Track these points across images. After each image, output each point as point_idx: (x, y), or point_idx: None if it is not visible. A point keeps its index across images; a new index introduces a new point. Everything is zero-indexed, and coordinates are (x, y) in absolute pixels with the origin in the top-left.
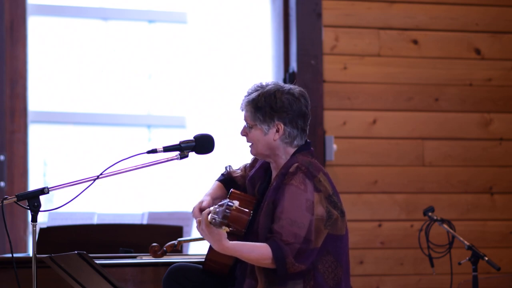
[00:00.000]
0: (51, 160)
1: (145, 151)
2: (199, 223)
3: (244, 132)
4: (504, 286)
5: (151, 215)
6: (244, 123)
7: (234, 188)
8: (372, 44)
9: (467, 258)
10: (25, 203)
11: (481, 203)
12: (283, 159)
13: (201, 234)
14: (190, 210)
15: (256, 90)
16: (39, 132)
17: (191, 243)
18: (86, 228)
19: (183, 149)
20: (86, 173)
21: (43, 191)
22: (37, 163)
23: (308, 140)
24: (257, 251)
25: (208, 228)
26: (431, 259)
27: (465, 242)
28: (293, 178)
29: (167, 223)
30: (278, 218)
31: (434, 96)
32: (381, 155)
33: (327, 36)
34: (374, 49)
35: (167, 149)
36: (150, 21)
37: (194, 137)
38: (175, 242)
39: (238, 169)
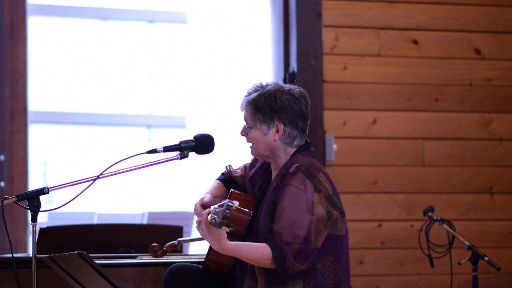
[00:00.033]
0: (51, 160)
1: (145, 151)
2: (199, 223)
3: (244, 132)
4: (504, 286)
5: (151, 215)
6: (244, 123)
7: (234, 188)
8: (372, 44)
9: (467, 258)
10: (25, 203)
11: (481, 203)
12: (283, 159)
13: (201, 234)
14: (190, 210)
15: (256, 90)
16: (39, 132)
17: (191, 243)
18: (86, 228)
19: (183, 149)
20: (86, 173)
21: (43, 191)
22: (37, 163)
23: (308, 140)
24: (257, 251)
25: (208, 228)
26: (431, 259)
27: (465, 242)
28: (293, 179)
29: (167, 223)
30: (278, 218)
31: (434, 96)
32: (381, 155)
33: (327, 36)
34: (374, 49)
35: (167, 149)
36: (150, 21)
37: (194, 137)
38: (175, 242)
39: (238, 168)
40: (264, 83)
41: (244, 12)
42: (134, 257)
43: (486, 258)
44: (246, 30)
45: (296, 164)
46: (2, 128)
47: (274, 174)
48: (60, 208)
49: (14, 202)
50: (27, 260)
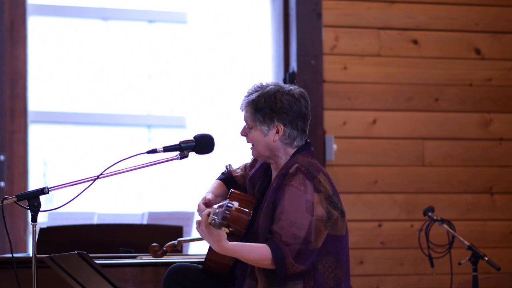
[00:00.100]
0: (51, 160)
1: (145, 151)
2: (198, 224)
3: (244, 133)
4: (504, 286)
5: (151, 215)
6: (244, 124)
7: (234, 188)
8: (372, 44)
9: (467, 258)
10: (25, 203)
11: (481, 203)
12: (283, 159)
13: (201, 235)
14: (190, 210)
15: (256, 91)
16: (39, 132)
17: (191, 243)
18: (86, 228)
19: (183, 149)
20: (86, 173)
21: (43, 191)
22: (37, 163)
23: (308, 140)
24: (256, 252)
25: (207, 229)
26: (431, 259)
27: (465, 242)
28: (293, 179)
29: (167, 223)
30: (278, 219)
31: (434, 96)
32: (381, 155)
33: (327, 36)
34: (374, 49)
35: (167, 149)
36: (150, 21)
37: (194, 137)
38: (175, 242)
39: (238, 168)
40: (264, 83)
41: (244, 12)
42: (134, 257)
43: (486, 258)
44: (246, 30)
45: (296, 165)
46: (2, 128)
47: (274, 174)
48: (60, 208)
49: (14, 202)
50: (27, 260)
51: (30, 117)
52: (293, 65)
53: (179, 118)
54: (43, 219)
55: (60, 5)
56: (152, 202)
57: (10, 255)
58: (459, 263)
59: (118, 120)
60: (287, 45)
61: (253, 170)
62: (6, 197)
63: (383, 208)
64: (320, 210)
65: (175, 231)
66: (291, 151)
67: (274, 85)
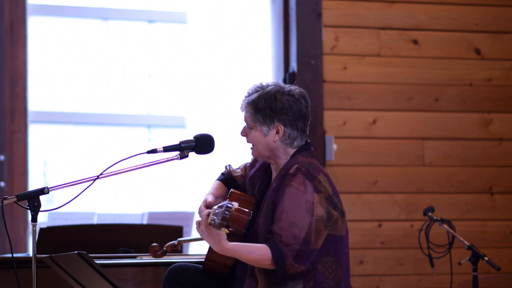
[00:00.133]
0: (51, 160)
1: (145, 151)
2: (198, 224)
3: (244, 133)
4: (504, 286)
5: (151, 215)
6: (244, 124)
7: (234, 188)
8: (372, 44)
9: (467, 258)
10: (25, 203)
11: (481, 203)
12: (283, 159)
13: (201, 235)
14: (190, 210)
15: (256, 91)
16: (39, 132)
17: (191, 243)
18: (86, 228)
19: (183, 149)
20: (86, 173)
21: (43, 191)
22: (37, 163)
23: (308, 141)
24: (256, 252)
25: (207, 229)
26: (431, 259)
27: (465, 242)
28: (293, 180)
29: (167, 223)
30: (278, 219)
31: (434, 96)
32: (381, 155)
33: (327, 36)
34: (374, 49)
35: (167, 149)
36: (150, 21)
37: (194, 137)
38: (175, 242)
39: (238, 168)
40: (264, 84)
41: (244, 12)
42: (134, 257)
43: (486, 258)
44: (246, 30)
45: (296, 165)
46: (2, 128)
47: (274, 174)
48: (60, 208)
49: (14, 202)
50: (27, 260)
51: (30, 117)
52: (293, 65)
53: (179, 118)
54: (43, 219)
55: (60, 5)
56: (152, 202)
57: (10, 255)
58: (459, 263)
59: (118, 120)
60: (287, 45)
61: (253, 170)
62: (6, 197)
63: (383, 208)
64: (320, 210)
65: (175, 231)
66: (291, 151)
67: (274, 85)
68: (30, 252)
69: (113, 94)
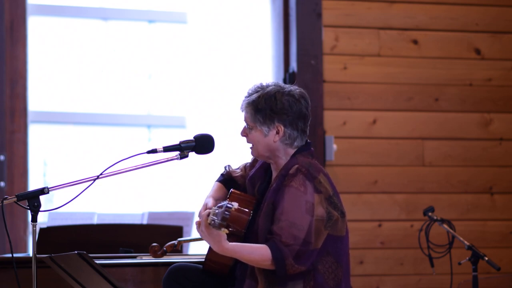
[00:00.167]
0: (51, 160)
1: (145, 151)
2: (198, 224)
3: (244, 133)
4: (504, 286)
5: (151, 215)
6: (244, 124)
7: (234, 188)
8: (372, 44)
9: (467, 258)
10: (25, 203)
11: (481, 203)
12: (283, 159)
13: (201, 236)
14: (190, 210)
15: (256, 91)
16: (39, 132)
17: (191, 243)
18: (86, 228)
19: (183, 149)
20: (86, 173)
21: (43, 191)
22: (37, 163)
23: (308, 141)
24: (256, 253)
25: (207, 229)
26: (431, 259)
27: (465, 242)
28: (293, 180)
29: (167, 223)
30: (278, 219)
31: (434, 96)
32: (381, 155)
33: (327, 36)
34: (374, 49)
35: (167, 149)
36: (150, 21)
37: (194, 137)
38: (175, 242)
39: (238, 168)
40: (264, 84)
41: (244, 12)
42: (134, 257)
43: (486, 258)
44: (246, 30)
45: (296, 166)
46: (2, 128)
47: (274, 174)
48: (60, 208)
49: (14, 202)
50: (27, 260)
51: (30, 117)
52: (293, 65)
53: (179, 118)
54: (43, 219)
55: (60, 5)
56: (152, 202)
57: (10, 255)
58: (459, 263)
59: (118, 120)
60: (287, 45)
61: (253, 170)
62: (6, 197)
63: (383, 208)
64: (320, 211)
65: (175, 231)
66: (291, 151)
67: (274, 85)
68: (30, 252)
69: (113, 94)
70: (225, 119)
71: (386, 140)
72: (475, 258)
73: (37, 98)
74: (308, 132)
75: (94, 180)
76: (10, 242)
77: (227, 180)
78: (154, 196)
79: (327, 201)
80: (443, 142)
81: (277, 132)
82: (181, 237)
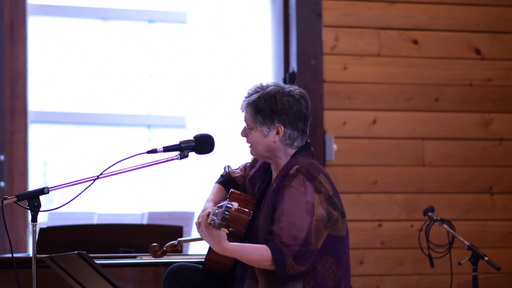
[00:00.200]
0: (51, 160)
1: (145, 151)
2: (198, 224)
3: (244, 133)
4: (504, 286)
5: (151, 215)
6: (244, 124)
7: (234, 188)
8: (372, 44)
9: (467, 258)
10: (25, 203)
11: (481, 203)
12: (283, 160)
13: (201, 236)
14: (190, 210)
15: (256, 92)
16: (39, 132)
17: (191, 243)
18: (86, 228)
19: (183, 149)
20: (86, 173)
21: (43, 191)
22: (37, 163)
23: (308, 141)
24: (256, 253)
25: (207, 229)
26: (431, 259)
27: (465, 242)
28: (293, 180)
29: (167, 223)
30: (278, 220)
31: (434, 96)
32: (381, 155)
33: (327, 36)
34: (374, 49)
35: (167, 149)
36: (150, 21)
37: (194, 137)
38: (175, 242)
39: (238, 168)
40: (264, 84)
41: (244, 12)
42: (134, 257)
43: (486, 258)
44: (246, 30)
45: (296, 166)
46: (2, 128)
47: (274, 174)
48: (60, 208)
49: (14, 202)
50: (27, 260)
51: (30, 117)
52: (293, 65)
53: (179, 118)
54: (43, 219)
55: (60, 5)
56: (152, 202)
57: (10, 255)
58: (459, 263)
59: (118, 120)
60: (287, 45)
61: (253, 170)
62: (6, 197)
63: (383, 208)
64: (320, 211)
65: (175, 231)
66: (291, 151)
67: (274, 85)
68: (30, 252)
69: (113, 94)
70: (225, 119)
71: (386, 140)
72: (475, 258)
73: (37, 98)
74: (308, 132)
75: (94, 180)
76: (10, 242)
77: (227, 181)
78: (154, 196)
79: (327, 201)
80: (443, 142)
81: (277, 133)
82: (181, 237)
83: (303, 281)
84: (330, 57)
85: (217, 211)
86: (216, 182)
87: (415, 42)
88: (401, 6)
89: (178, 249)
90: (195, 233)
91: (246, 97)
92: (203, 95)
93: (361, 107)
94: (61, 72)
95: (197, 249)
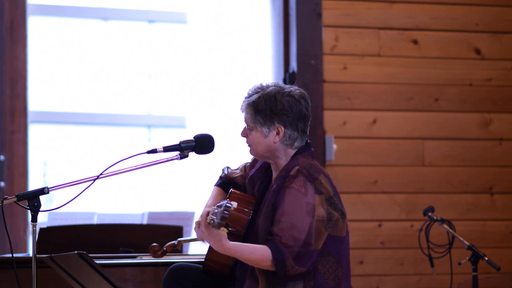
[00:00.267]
0: (51, 160)
1: (145, 151)
2: (198, 225)
3: (245, 134)
4: (504, 286)
5: (151, 215)
6: (244, 125)
7: (234, 188)
8: (372, 44)
9: (467, 258)
10: (25, 203)
11: (481, 203)
12: (283, 160)
13: (201, 236)
14: (190, 210)
15: (256, 92)
16: (39, 132)
17: (191, 243)
18: (86, 228)
19: (183, 149)
20: (86, 173)
21: (43, 191)
22: (37, 163)
23: (308, 141)
24: (257, 253)
25: (207, 229)
26: (431, 259)
27: (465, 242)
28: (293, 181)
29: (167, 223)
30: (278, 221)
31: (434, 96)
32: (381, 155)
33: (327, 36)
34: (374, 49)
35: (167, 149)
36: (150, 21)
37: (194, 137)
38: (175, 242)
39: (237, 169)
40: (264, 84)
41: (244, 12)
42: (134, 257)
43: (486, 258)
44: (246, 30)
45: (297, 167)
46: (2, 128)
47: (274, 174)
48: (60, 208)
49: (14, 202)
50: (27, 260)
51: (30, 117)
52: (293, 65)
53: (179, 118)
54: (43, 219)
55: (60, 5)
56: (152, 202)
57: (10, 255)
58: (459, 263)
59: (118, 120)
60: (287, 45)
61: (253, 170)
62: (6, 197)
63: (383, 208)
64: (321, 211)
65: (175, 231)
66: (292, 152)
67: (274, 86)
68: (30, 252)
69: (113, 94)
70: (225, 119)
71: (386, 140)
72: (475, 258)
73: (37, 98)
74: (308, 133)
75: (94, 180)
76: (10, 242)
77: (226, 183)
78: (154, 196)
79: (327, 202)
80: (443, 142)
81: (277, 133)
82: (181, 237)
83: (303, 281)
84: (330, 57)
85: (216, 210)
86: (215, 185)
87: (415, 42)
88: (401, 6)
89: (178, 249)
90: (195, 233)
91: (246, 98)
92: (203, 95)
93: (361, 107)
94: (61, 72)
95: (197, 249)
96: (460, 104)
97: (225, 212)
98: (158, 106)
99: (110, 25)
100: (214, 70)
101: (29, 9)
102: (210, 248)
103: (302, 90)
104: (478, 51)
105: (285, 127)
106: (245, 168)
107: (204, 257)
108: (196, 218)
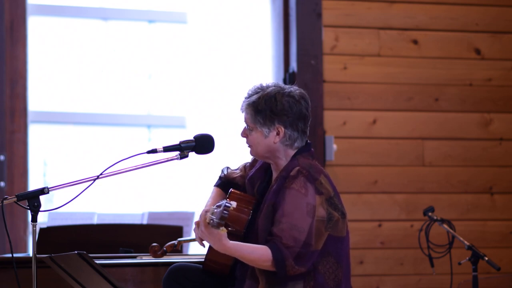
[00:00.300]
0: (51, 160)
1: (145, 151)
2: (197, 225)
3: (245, 134)
4: (504, 286)
5: (151, 215)
6: (244, 125)
7: (233, 188)
8: (372, 44)
9: (467, 258)
10: (25, 203)
11: (481, 203)
12: (283, 160)
13: (201, 236)
14: (190, 210)
15: (257, 92)
16: (39, 132)
17: (191, 243)
18: (86, 228)
19: (183, 149)
20: (86, 173)
21: (43, 191)
22: (37, 163)
23: (308, 141)
24: (257, 252)
25: (207, 229)
26: (431, 259)
27: (465, 242)
28: (294, 182)
29: (167, 223)
30: (278, 221)
31: (434, 96)
32: (381, 155)
33: (327, 36)
34: (374, 49)
35: (167, 149)
36: (150, 21)
37: (194, 137)
38: (175, 242)
39: (237, 169)
40: (264, 85)
41: (244, 12)
42: (134, 257)
43: (486, 258)
44: (246, 30)
45: (297, 167)
46: (2, 128)
47: (274, 175)
48: (60, 208)
49: (14, 202)
50: (27, 260)
51: (30, 117)
52: (293, 65)
53: (179, 118)
54: (43, 219)
55: (60, 5)
56: (152, 202)
57: (10, 255)
58: (459, 263)
59: (118, 120)
60: (287, 45)
61: (253, 170)
62: (6, 197)
63: (383, 208)
64: (321, 212)
65: (175, 231)
66: (292, 152)
67: (274, 86)
68: (30, 252)
69: (113, 94)
70: (225, 119)
71: (386, 140)
72: (475, 258)
73: (37, 98)
74: (308, 133)
75: (94, 180)
76: (10, 242)
77: (226, 183)
78: (154, 196)
79: (328, 202)
80: (443, 142)
81: (278, 133)
82: (181, 237)
83: (303, 282)
84: (330, 57)
85: (215, 210)
86: (215, 185)
87: (415, 42)
88: (401, 6)
89: (178, 249)
90: None
91: (246, 98)
92: (203, 95)
93: (361, 107)
94: (61, 72)
95: (197, 249)
96: (460, 104)
97: (225, 212)
98: (158, 106)
99: (110, 25)
100: (214, 70)
101: (29, 9)
102: (210, 248)
103: (302, 90)
104: (478, 51)
105: (285, 128)
106: (245, 168)
107: (204, 257)
108: (196, 218)
